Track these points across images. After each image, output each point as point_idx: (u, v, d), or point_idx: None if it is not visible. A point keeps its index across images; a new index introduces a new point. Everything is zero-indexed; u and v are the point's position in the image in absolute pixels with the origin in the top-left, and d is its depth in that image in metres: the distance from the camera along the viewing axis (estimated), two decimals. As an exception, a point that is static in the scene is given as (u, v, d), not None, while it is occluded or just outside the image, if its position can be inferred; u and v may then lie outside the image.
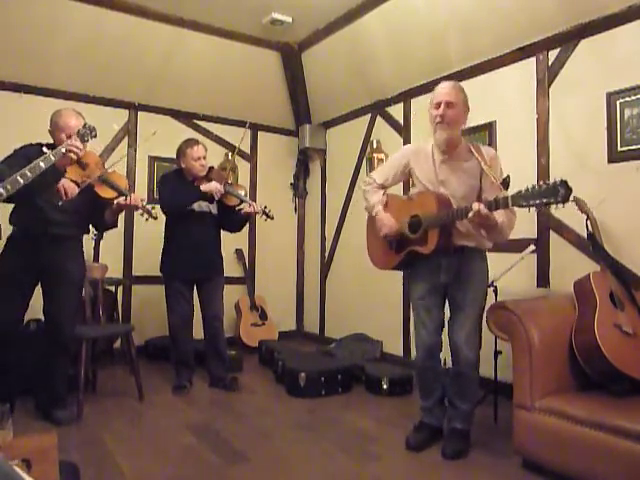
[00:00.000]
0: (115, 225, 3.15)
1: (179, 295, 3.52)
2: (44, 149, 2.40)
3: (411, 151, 2.62)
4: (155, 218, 3.05)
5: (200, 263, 3.51)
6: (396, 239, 2.57)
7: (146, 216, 3.02)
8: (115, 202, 2.90)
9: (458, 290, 2.48)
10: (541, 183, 1.97)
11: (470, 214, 2.19)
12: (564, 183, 1.91)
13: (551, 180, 1.95)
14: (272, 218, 3.62)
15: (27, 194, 2.45)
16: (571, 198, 2.72)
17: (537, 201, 1.96)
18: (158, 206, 3.31)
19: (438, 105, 2.40)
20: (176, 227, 3.50)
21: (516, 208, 2.16)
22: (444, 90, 2.43)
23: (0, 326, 2.73)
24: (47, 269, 2.81)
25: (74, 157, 2.45)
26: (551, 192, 1.92)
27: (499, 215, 2.26)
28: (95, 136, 2.62)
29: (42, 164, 2.32)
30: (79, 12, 3.87)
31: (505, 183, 2.12)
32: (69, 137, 2.76)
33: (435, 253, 2.40)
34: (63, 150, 2.40)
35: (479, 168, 2.38)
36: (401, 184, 2.76)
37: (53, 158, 2.36)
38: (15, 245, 2.81)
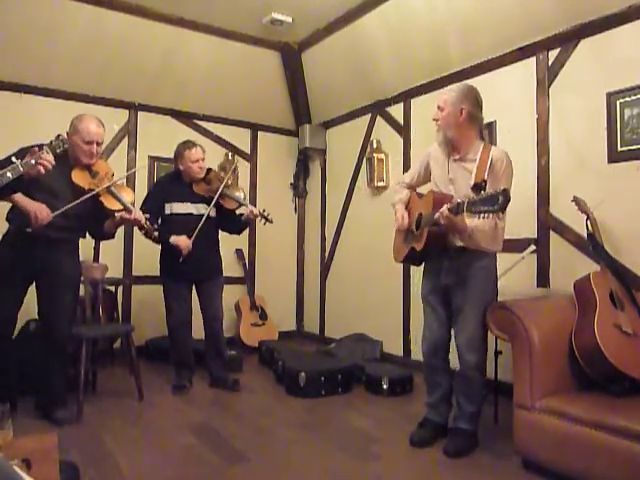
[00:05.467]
0: (113, 237, 3.14)
1: (177, 296, 3.52)
2: (13, 159, 2.38)
3: (432, 150, 2.67)
4: (155, 238, 3.04)
5: (198, 265, 3.49)
6: (408, 234, 2.64)
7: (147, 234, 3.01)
8: (118, 215, 2.90)
9: (458, 293, 2.49)
10: (488, 192, 2.04)
11: (436, 215, 2.24)
12: (504, 192, 1.97)
13: (495, 190, 2.02)
14: (271, 222, 3.56)
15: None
16: (571, 198, 2.78)
17: (481, 208, 2.03)
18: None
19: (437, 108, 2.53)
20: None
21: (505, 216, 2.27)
22: (440, 95, 2.55)
23: None
24: (41, 269, 2.81)
25: (42, 170, 2.44)
26: (492, 201, 1.99)
27: (470, 221, 2.28)
28: (67, 149, 2.64)
29: (9, 174, 2.28)
30: (79, 12, 3.87)
31: (477, 187, 2.16)
32: (87, 143, 2.80)
33: (426, 250, 2.44)
34: (32, 162, 2.37)
35: (484, 168, 2.38)
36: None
37: (21, 169, 2.33)
38: (10, 243, 2.81)
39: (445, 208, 2.20)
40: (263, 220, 3.55)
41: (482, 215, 2.05)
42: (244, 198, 3.65)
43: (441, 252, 2.48)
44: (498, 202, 1.95)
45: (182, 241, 3.37)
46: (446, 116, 2.46)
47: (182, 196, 3.50)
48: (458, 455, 2.44)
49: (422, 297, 2.69)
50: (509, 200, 1.96)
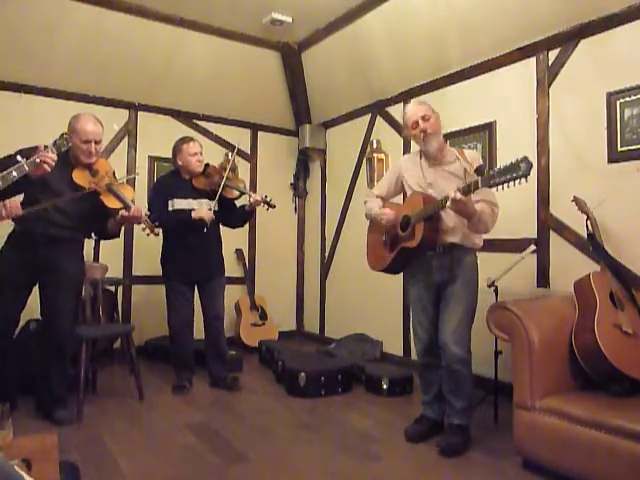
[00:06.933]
0: (117, 235, 3.14)
1: (179, 294, 3.51)
2: (18, 157, 2.38)
3: (402, 162, 2.81)
4: (156, 235, 3.03)
5: (201, 263, 3.50)
6: (390, 239, 2.70)
7: (147, 231, 2.99)
8: (119, 213, 2.90)
9: (447, 287, 2.56)
10: (505, 164, 2.09)
11: (447, 202, 2.31)
12: (525, 159, 2.03)
13: (515, 158, 2.07)
14: (274, 207, 3.56)
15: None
16: (571, 198, 2.78)
17: (502, 178, 2.09)
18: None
19: (416, 123, 2.58)
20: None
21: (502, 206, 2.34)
22: (414, 109, 2.63)
23: None
24: (44, 269, 2.81)
25: (48, 168, 2.44)
26: (514, 168, 2.05)
27: (477, 205, 2.38)
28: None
29: (15, 173, 2.29)
30: (79, 12, 3.87)
31: (480, 170, 2.25)
32: (84, 142, 2.79)
33: (421, 247, 2.49)
34: (37, 160, 2.38)
35: (462, 169, 2.50)
36: (402, 196, 2.88)
37: (27, 168, 2.34)
38: (14, 243, 2.81)
39: (455, 191, 2.25)
40: (266, 206, 3.54)
41: (503, 186, 2.10)
42: (244, 187, 3.65)
43: (429, 251, 2.54)
44: (521, 168, 2.02)
45: (203, 212, 3.40)
46: (434, 123, 2.57)
47: (183, 192, 3.50)
48: (451, 449, 2.46)
49: (412, 298, 2.74)
50: (531, 165, 2.02)
